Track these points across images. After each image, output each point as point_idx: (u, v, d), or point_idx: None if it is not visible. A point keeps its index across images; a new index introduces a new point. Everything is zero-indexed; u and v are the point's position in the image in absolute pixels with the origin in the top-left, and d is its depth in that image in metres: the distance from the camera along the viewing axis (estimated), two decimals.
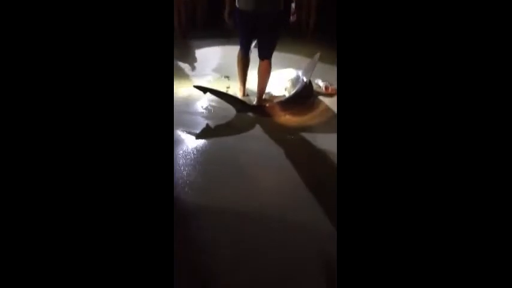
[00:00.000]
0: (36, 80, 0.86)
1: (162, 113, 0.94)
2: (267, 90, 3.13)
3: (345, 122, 0.95)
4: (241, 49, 3.01)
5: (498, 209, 0.83)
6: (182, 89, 3.17)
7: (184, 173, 2.16)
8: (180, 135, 2.54)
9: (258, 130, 2.72)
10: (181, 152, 2.36)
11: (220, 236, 1.73)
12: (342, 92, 0.98)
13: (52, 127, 0.86)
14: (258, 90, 3.06)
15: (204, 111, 2.93)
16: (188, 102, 3.02)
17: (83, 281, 0.86)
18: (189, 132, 2.58)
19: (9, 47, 0.84)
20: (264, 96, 3.10)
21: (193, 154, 2.36)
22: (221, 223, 1.80)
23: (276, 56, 3.02)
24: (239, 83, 3.16)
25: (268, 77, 3.02)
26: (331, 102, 3.11)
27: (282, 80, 3.31)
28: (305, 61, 3.58)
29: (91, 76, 0.88)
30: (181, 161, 2.26)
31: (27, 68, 0.85)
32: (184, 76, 3.56)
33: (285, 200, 2.02)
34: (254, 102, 3.05)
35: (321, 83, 3.31)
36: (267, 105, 2.98)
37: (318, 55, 3.40)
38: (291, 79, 3.29)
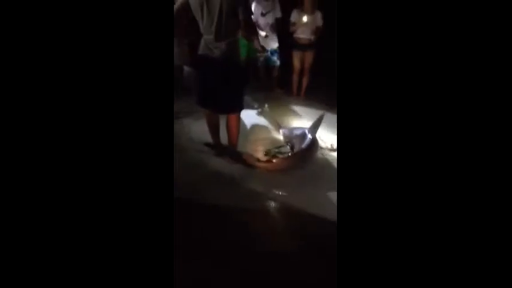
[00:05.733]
0: (36, 80, 0.87)
1: (163, 114, 0.97)
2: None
3: (345, 118, 0.97)
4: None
5: (498, 209, 0.83)
6: None
7: None
8: None
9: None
10: None
11: None
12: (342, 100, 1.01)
13: (52, 124, 0.88)
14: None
15: None
16: None
17: (82, 254, 0.90)
18: None
19: (9, 47, 0.84)
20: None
21: None
22: None
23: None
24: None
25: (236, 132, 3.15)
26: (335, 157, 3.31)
27: (290, 137, 3.55)
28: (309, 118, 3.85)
29: (90, 74, 0.91)
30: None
31: (26, 66, 0.86)
32: None
33: None
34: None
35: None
36: (274, 160, 3.19)
37: (323, 113, 3.66)
38: (298, 136, 3.53)
